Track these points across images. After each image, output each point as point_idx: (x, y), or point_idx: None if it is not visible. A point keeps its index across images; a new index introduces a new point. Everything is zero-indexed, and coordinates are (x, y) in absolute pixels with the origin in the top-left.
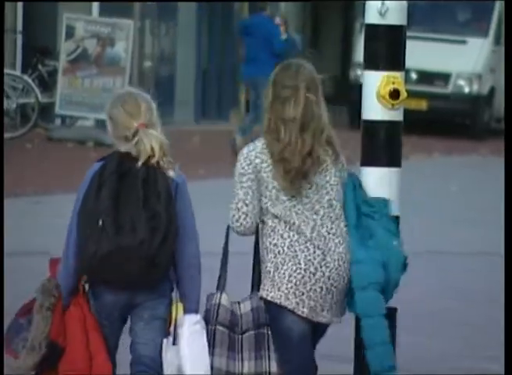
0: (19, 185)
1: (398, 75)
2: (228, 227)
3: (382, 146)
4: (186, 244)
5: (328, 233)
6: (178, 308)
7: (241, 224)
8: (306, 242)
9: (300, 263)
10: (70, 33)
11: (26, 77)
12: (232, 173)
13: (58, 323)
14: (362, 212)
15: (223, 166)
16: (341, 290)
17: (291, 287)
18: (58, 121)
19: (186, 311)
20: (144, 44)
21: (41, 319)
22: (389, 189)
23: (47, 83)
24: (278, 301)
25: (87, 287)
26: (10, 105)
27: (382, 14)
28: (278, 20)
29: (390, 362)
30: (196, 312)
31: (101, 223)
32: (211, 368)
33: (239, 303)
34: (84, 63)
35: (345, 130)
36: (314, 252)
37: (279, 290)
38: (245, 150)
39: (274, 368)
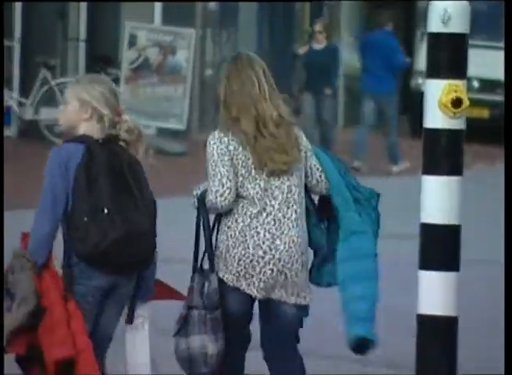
0: None
1: (460, 83)
2: (199, 203)
3: (443, 154)
4: None
5: (284, 217)
6: None
7: (225, 198)
8: (257, 227)
9: (248, 248)
10: (132, 41)
11: None
12: None
13: (37, 284)
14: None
15: None
16: (295, 271)
17: (241, 271)
18: None
19: (139, 297)
20: (205, 52)
21: (25, 276)
22: (450, 198)
23: None
24: (231, 284)
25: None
26: None
27: (444, 22)
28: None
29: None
30: (146, 300)
31: (106, 211)
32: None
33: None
34: (146, 72)
35: (406, 139)
36: (264, 236)
37: (230, 272)
38: (216, 135)
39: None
